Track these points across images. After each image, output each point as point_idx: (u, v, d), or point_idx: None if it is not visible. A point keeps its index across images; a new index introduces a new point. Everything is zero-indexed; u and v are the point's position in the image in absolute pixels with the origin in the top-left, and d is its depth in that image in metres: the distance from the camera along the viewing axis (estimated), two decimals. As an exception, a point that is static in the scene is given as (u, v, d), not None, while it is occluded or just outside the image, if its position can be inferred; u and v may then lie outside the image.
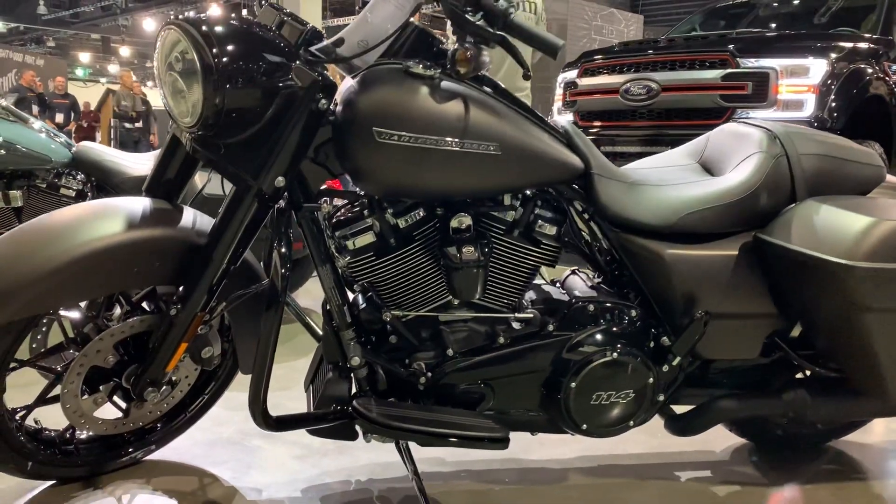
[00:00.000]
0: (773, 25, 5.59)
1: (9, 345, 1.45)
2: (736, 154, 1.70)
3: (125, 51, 24.19)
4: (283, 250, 1.44)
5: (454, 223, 1.54)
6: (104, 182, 3.05)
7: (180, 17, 1.43)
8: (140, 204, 1.55)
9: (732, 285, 1.59)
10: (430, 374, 1.55)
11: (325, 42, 1.46)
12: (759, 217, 1.61)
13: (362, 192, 1.57)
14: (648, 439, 2.00)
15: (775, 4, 5.72)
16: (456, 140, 1.42)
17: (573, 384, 1.57)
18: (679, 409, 1.73)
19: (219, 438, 1.95)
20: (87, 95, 12.65)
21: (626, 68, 4.52)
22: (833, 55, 4.15)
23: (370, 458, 1.85)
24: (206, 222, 1.59)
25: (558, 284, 1.78)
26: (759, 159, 1.63)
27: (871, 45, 4.46)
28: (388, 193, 1.51)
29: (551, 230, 1.59)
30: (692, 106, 4.25)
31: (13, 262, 1.39)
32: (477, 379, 1.57)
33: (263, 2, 1.59)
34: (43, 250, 1.40)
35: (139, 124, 9.80)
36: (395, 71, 1.45)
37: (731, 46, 4.19)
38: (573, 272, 1.79)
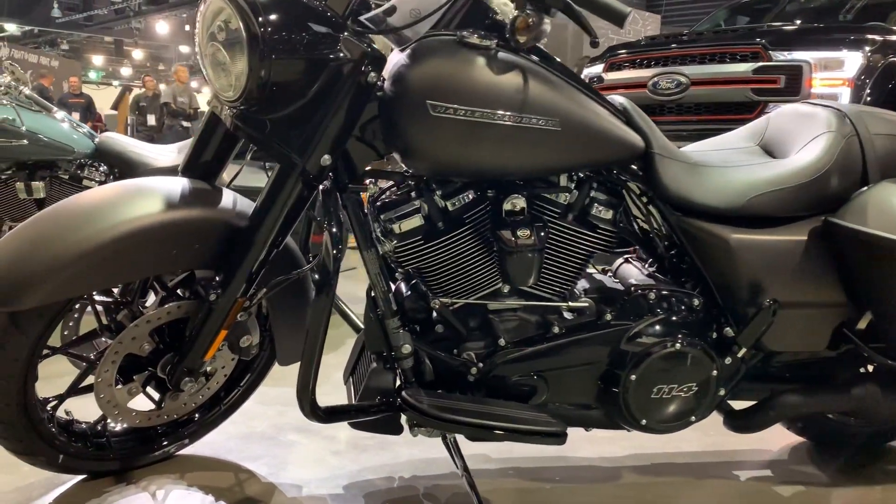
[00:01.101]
0: (798, 21, 5.49)
1: (41, 330, 1.37)
2: (802, 135, 1.61)
3: (138, 53, 24.28)
4: (335, 231, 1.36)
5: (507, 205, 1.46)
6: (127, 173, 2.99)
7: None
8: (178, 184, 1.47)
9: (801, 272, 1.50)
10: (481, 364, 1.46)
11: (375, 11, 1.38)
12: (829, 200, 1.52)
13: (409, 173, 1.49)
14: (701, 437, 1.91)
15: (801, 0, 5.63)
16: (514, 114, 1.34)
17: (633, 377, 1.48)
18: (736, 404, 1.64)
19: (252, 433, 1.87)
20: (100, 98, 12.66)
21: (654, 62, 4.43)
22: (867, 48, 4.05)
23: (411, 453, 1.77)
24: (246, 204, 1.51)
25: (610, 273, 1.69)
26: (829, 139, 1.54)
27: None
28: (440, 172, 1.43)
29: (607, 214, 1.51)
30: (723, 100, 4.16)
31: (46, 243, 1.32)
32: (530, 371, 1.49)
33: None
34: (77, 230, 1.33)
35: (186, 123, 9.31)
36: (450, 42, 1.37)
37: (762, 39, 4.10)
38: (625, 260, 1.70)
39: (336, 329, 1.65)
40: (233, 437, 1.83)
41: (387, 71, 1.40)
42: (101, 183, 3.04)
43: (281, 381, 1.75)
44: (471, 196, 1.48)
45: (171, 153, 3.05)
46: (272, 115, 1.37)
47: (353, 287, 2.15)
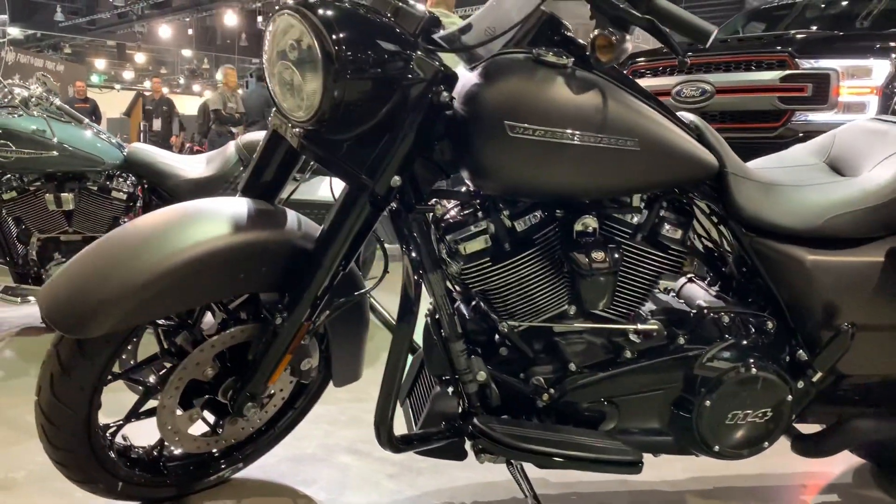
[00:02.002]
0: (815, 27, 5.46)
1: (108, 357, 1.34)
2: (873, 153, 1.58)
3: (140, 57, 24.27)
4: (415, 255, 1.32)
5: (579, 226, 1.42)
6: (157, 185, 2.95)
7: (289, 2, 1.32)
8: (240, 205, 1.44)
9: (879, 294, 1.47)
10: (552, 390, 1.43)
11: (451, 30, 1.34)
12: None
13: (476, 193, 1.45)
14: (760, 460, 1.86)
15: (822, 6, 5.59)
16: (593, 134, 1.31)
17: (707, 402, 1.44)
18: (802, 427, 1.61)
19: (303, 455, 1.83)
20: (103, 102, 12.61)
21: (677, 70, 4.39)
22: (895, 56, 4.02)
23: (468, 477, 1.73)
24: (310, 225, 1.48)
25: (673, 293, 1.66)
26: (905, 158, 1.51)
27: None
28: (513, 192, 1.40)
29: (676, 233, 1.47)
30: (748, 108, 4.12)
31: (113, 270, 1.28)
32: (601, 396, 1.45)
33: None
34: (144, 256, 1.29)
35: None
36: (525, 60, 1.34)
37: (789, 47, 4.07)
38: (689, 279, 1.67)
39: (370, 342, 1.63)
40: (283, 459, 1.79)
41: (457, 89, 1.36)
42: (129, 194, 3.00)
43: (323, 399, 1.72)
44: (539, 216, 1.44)
45: (201, 164, 3.02)
46: (342, 135, 1.33)
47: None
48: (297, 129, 1.37)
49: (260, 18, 20.52)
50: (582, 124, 1.30)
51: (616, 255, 1.40)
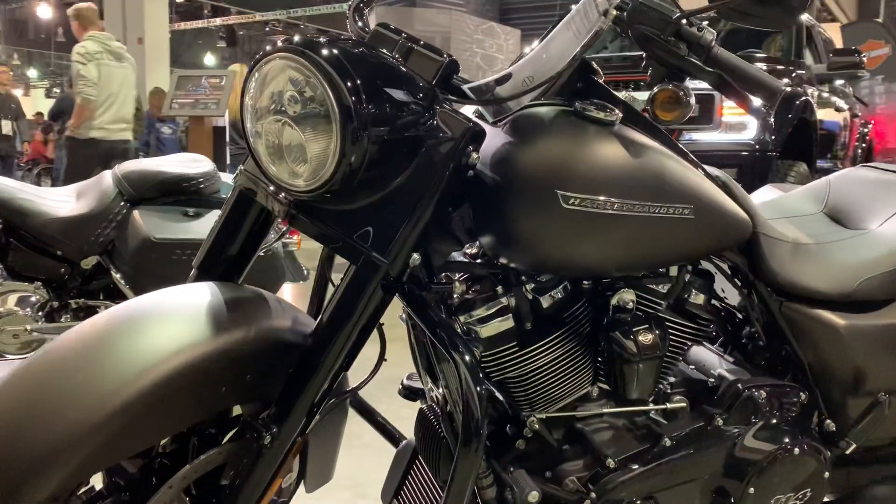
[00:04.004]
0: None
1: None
2: (880, 205, 1.52)
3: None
4: (467, 358, 1.05)
5: (616, 300, 1.24)
6: (18, 226, 2.46)
7: (287, 42, 1.03)
8: (207, 294, 1.11)
9: (909, 358, 1.40)
10: (594, 494, 1.23)
11: (486, 80, 1.11)
12: None
13: (491, 263, 1.23)
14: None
15: None
16: (651, 203, 1.13)
17: (751, 489, 1.30)
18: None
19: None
20: None
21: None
22: (770, 78, 4.20)
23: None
24: (299, 315, 1.19)
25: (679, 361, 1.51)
26: (921, 212, 1.45)
27: (797, 70, 4.58)
28: (553, 269, 1.19)
29: (701, 299, 1.33)
30: (639, 128, 4.15)
31: (54, 409, 0.92)
32: (643, 493, 1.27)
33: (359, 23, 1.22)
34: (95, 384, 0.94)
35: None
36: (566, 115, 1.13)
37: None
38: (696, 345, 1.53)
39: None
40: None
41: (482, 148, 1.13)
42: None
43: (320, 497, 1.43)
44: (567, 290, 1.24)
45: (70, 199, 2.57)
46: (348, 205, 1.07)
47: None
48: (286, 197, 1.09)
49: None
50: (640, 193, 1.12)
51: (664, 335, 1.23)
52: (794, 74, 4.66)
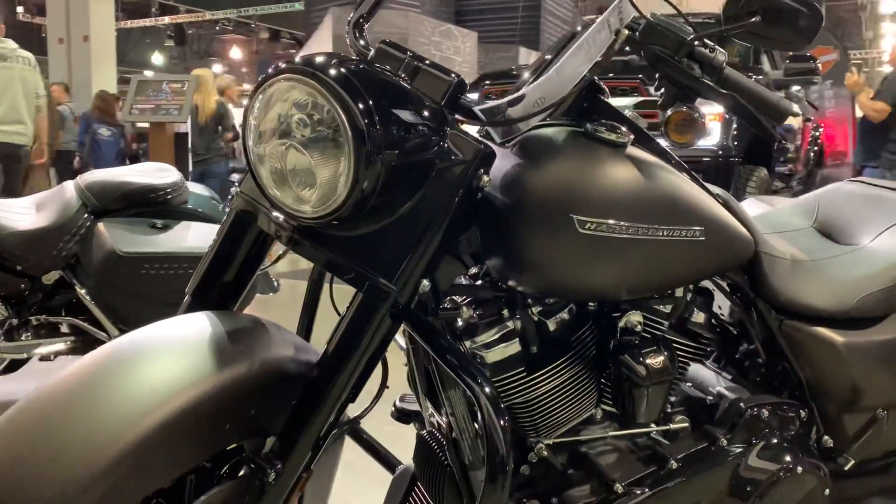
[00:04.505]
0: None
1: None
2: (872, 220, 1.53)
3: None
4: (486, 387, 1.01)
5: (623, 322, 1.22)
6: (-25, 241, 2.34)
7: (291, 62, 0.99)
8: (206, 324, 1.06)
9: (903, 373, 1.41)
10: None
11: (498, 101, 1.08)
12: None
13: (496, 285, 1.20)
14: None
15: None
16: (664, 226, 1.11)
17: (755, 509, 1.30)
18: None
19: None
20: None
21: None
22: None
23: None
24: (299, 342, 1.14)
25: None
26: (912, 228, 1.47)
27: (755, 76, 4.65)
28: (563, 293, 1.16)
29: (702, 317, 1.33)
30: (606, 134, 4.17)
31: (51, 458, 0.86)
32: (651, 516, 1.26)
33: (360, 41, 1.17)
34: (94, 430, 0.88)
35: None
36: (576, 136, 1.11)
37: (640, 74, 4.17)
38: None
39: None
40: None
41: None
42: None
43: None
44: (573, 312, 1.22)
45: (30, 211, 2.45)
46: (356, 231, 1.03)
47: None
48: (289, 222, 1.04)
49: (21, 9, 18.32)
50: (654, 216, 1.10)
51: (672, 357, 1.22)
52: (764, 82, 4.74)
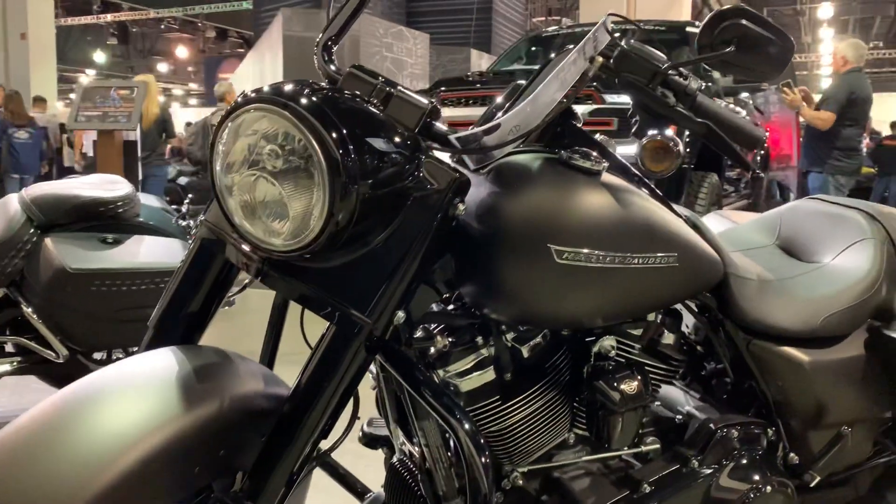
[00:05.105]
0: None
1: None
2: (833, 238, 1.55)
3: None
4: (465, 424, 0.99)
5: (598, 348, 1.22)
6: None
7: (260, 91, 0.95)
8: (172, 360, 1.01)
9: (866, 389, 1.44)
10: None
11: (473, 130, 1.05)
12: (877, 310, 1.47)
13: (469, 312, 1.19)
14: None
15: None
16: (640, 254, 1.11)
17: (728, 530, 1.31)
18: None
19: None
20: None
21: (490, 100, 4.34)
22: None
23: None
24: (268, 374, 1.10)
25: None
26: (872, 247, 1.49)
27: (706, 83, 4.72)
28: (538, 322, 1.15)
29: (672, 339, 1.33)
30: (561, 141, 4.19)
31: None
32: (627, 542, 1.25)
33: (329, 64, 1.14)
34: (56, 478, 0.83)
35: None
36: (552, 163, 1.10)
37: (594, 82, 4.19)
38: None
39: None
40: None
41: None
42: None
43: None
44: (546, 337, 1.21)
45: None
46: (328, 262, 1.00)
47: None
48: (257, 254, 1.01)
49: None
50: (631, 244, 1.09)
51: (646, 382, 1.22)
52: (703, 87, 4.82)
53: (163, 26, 21.43)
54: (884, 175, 9.81)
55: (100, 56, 22.03)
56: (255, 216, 0.96)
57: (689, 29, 5.35)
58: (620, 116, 4.09)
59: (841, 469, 1.52)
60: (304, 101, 0.92)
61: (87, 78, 21.07)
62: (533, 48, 5.90)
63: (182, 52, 22.90)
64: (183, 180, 9.21)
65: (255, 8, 13.87)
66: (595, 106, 4.10)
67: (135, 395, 0.94)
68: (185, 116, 15.32)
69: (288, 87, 0.95)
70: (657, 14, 8.91)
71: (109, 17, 18.99)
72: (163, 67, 24.19)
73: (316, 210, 0.92)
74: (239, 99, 0.95)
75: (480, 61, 12.11)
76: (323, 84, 1.02)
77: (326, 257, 0.99)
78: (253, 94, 0.95)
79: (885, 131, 11.21)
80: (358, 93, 1.03)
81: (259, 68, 10.21)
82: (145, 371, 0.99)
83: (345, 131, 0.92)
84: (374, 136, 0.97)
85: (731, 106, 1.14)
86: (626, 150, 4.11)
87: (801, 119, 5.75)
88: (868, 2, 18.17)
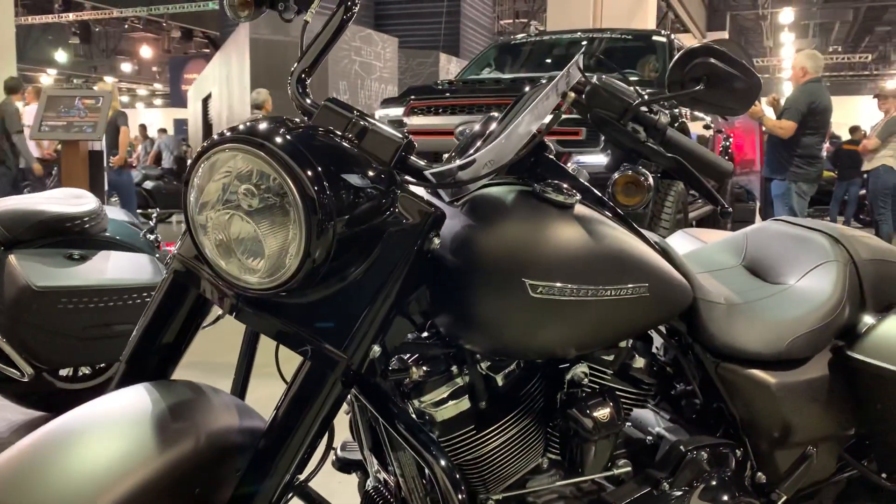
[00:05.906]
0: (548, 62, 5.81)
1: None
2: (797, 260, 1.59)
3: None
4: (445, 465, 1.00)
5: (571, 375, 1.23)
6: None
7: (234, 130, 0.95)
8: (144, 400, 1.01)
9: (828, 409, 1.47)
10: None
11: (448, 165, 1.06)
12: (840, 331, 1.51)
13: (443, 343, 1.20)
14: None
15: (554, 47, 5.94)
16: (613, 286, 1.12)
17: (700, 552, 1.33)
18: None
19: None
20: None
21: (460, 109, 4.36)
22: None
23: None
24: (242, 407, 1.10)
25: None
26: (835, 269, 1.53)
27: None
28: (514, 354, 1.16)
29: (643, 363, 1.35)
30: (531, 150, 4.21)
31: None
32: (602, 569, 1.27)
33: (305, 98, 1.14)
34: None
35: None
36: (525, 197, 1.11)
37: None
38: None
39: None
40: None
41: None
42: None
43: None
44: (520, 366, 1.22)
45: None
46: (304, 298, 1.00)
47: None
48: (232, 290, 1.01)
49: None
50: (604, 277, 1.11)
51: (618, 408, 1.23)
52: (679, 120, 4.88)
53: (126, 26, 21.11)
54: (843, 179, 10.04)
55: (61, 55, 21.62)
56: (229, 255, 0.96)
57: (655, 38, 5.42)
58: (588, 126, 4.14)
59: (806, 486, 1.55)
60: (278, 139, 0.92)
61: (48, 78, 20.68)
62: (500, 56, 5.93)
63: (146, 51, 22.56)
64: (149, 184, 9.07)
65: (221, 9, 13.73)
66: (564, 116, 4.13)
67: (107, 436, 0.93)
68: (149, 117, 15.10)
69: (262, 126, 0.95)
70: (622, 19, 9.01)
71: (72, 16, 18.65)
72: (126, 67, 23.82)
73: (292, 248, 0.92)
74: (215, 136, 0.95)
75: (449, 65, 12.13)
76: (297, 120, 1.02)
77: (302, 293, 0.99)
78: (228, 133, 0.94)
79: (845, 135, 11.46)
80: (332, 128, 1.04)
81: (226, 70, 10.11)
82: (117, 411, 0.98)
83: (320, 169, 0.92)
84: (349, 173, 0.97)
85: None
86: (594, 160, 4.18)
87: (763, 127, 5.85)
88: (828, 7, 18.57)
